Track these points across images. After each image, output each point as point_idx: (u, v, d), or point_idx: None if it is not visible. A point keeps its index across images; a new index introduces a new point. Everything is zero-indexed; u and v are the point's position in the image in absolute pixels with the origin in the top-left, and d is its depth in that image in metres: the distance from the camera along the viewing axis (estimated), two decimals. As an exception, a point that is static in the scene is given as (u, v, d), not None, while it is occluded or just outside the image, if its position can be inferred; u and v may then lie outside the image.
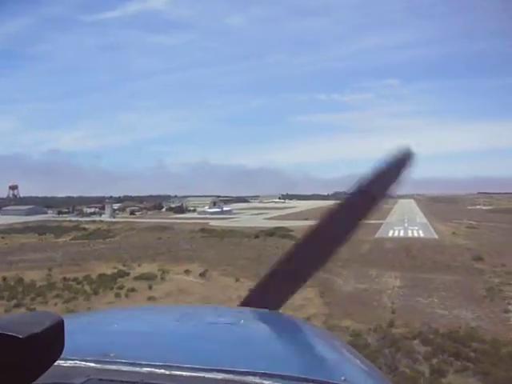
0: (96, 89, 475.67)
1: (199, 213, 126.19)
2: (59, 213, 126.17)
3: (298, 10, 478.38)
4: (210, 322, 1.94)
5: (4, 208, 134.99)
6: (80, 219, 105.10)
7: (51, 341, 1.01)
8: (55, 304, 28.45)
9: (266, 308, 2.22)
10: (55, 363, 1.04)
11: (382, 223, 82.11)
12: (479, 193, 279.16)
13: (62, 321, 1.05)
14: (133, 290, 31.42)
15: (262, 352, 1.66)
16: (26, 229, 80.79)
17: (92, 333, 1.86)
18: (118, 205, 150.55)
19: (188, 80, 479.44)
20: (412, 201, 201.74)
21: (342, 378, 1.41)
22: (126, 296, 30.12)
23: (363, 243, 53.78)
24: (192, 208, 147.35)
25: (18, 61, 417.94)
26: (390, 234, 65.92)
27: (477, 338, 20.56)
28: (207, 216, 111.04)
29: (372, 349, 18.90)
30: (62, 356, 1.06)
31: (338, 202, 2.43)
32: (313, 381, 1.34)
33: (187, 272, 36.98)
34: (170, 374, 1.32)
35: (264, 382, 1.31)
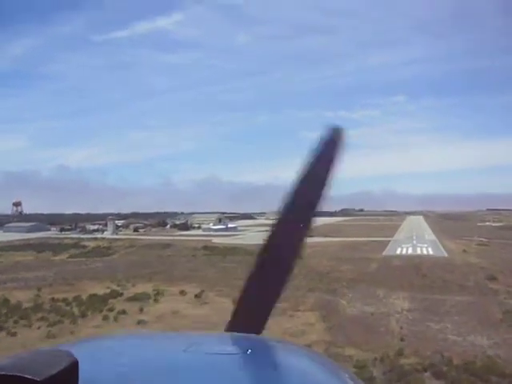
0: (106, 107, 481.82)
1: (204, 230, 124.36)
2: (61, 230, 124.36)
3: (304, 27, 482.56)
4: (215, 352, 1.83)
5: (7, 225, 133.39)
6: (82, 236, 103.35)
7: (66, 381, 1.04)
8: (38, 327, 26.67)
9: (252, 332, 2.22)
10: None
11: (389, 240, 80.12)
12: (488, 209, 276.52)
13: (77, 361, 1.09)
14: (123, 312, 29.53)
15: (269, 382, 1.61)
16: (25, 246, 79.00)
17: (102, 361, 1.70)
18: (122, 221, 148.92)
19: (195, 98, 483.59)
20: (421, 217, 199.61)
21: None
22: (115, 319, 28.18)
23: (370, 261, 51.80)
24: (197, 225, 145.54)
25: (28, 80, 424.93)
26: (399, 251, 63.80)
27: (495, 370, 18.34)
28: (211, 233, 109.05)
29: (378, 384, 16.82)
30: None
31: (277, 217, 2.46)
32: None
33: (182, 293, 35.04)
34: None
35: None
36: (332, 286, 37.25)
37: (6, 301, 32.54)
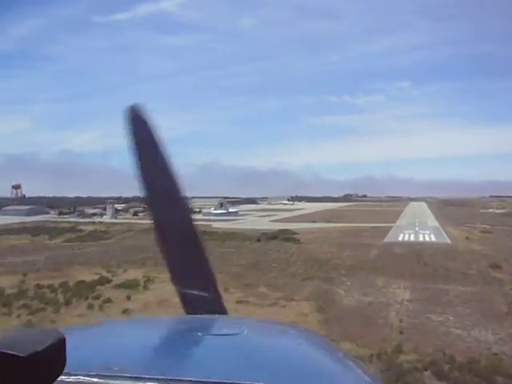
0: (107, 90, 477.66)
1: (204, 214, 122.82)
2: (60, 213, 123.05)
3: (308, 11, 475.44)
4: (211, 334, 1.88)
5: (4, 208, 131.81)
6: (80, 220, 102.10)
7: (53, 358, 1.01)
8: (18, 316, 25.27)
9: (220, 313, 2.25)
10: (59, 378, 1.04)
11: (391, 226, 78.73)
12: (491, 196, 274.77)
13: (64, 338, 1.05)
14: (109, 300, 28.17)
15: (264, 363, 1.58)
16: (21, 229, 77.75)
17: (95, 346, 1.74)
18: (123, 205, 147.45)
19: (198, 82, 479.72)
20: (423, 203, 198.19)
21: None
22: (100, 308, 26.83)
23: (371, 248, 50.41)
24: (198, 209, 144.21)
25: (31, 61, 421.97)
26: (400, 238, 62.47)
27: (502, 370, 16.82)
28: (212, 217, 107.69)
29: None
30: (65, 371, 1.06)
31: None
32: None
33: (174, 280, 33.64)
34: None
35: None
36: (330, 275, 35.83)
37: (-11, 287, 31.24)
